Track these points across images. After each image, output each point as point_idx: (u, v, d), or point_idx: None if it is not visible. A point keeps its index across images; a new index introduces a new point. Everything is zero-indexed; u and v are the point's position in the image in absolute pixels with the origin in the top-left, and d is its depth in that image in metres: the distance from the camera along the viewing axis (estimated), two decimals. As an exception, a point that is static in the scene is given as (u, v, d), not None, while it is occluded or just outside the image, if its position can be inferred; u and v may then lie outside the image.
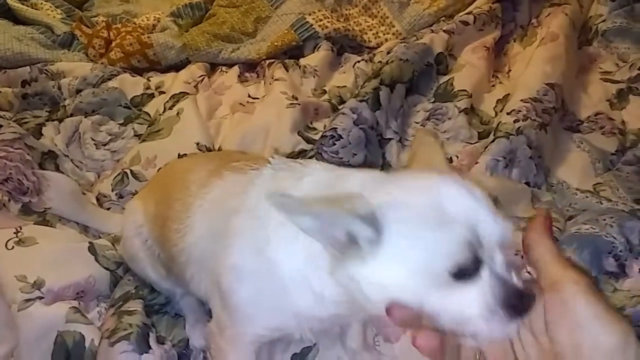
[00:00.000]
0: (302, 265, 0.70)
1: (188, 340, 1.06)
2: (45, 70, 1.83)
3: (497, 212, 0.59)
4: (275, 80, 1.72)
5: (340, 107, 1.66)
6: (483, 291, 0.56)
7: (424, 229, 0.57)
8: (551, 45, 1.61)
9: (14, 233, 1.13)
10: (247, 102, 1.73)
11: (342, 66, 1.90)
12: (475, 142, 1.47)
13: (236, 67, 1.91)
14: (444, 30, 1.74)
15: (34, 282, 1.05)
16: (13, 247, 1.10)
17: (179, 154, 1.44)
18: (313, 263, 0.67)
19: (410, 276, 0.57)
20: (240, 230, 0.80)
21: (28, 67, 1.84)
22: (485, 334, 0.56)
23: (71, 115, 1.68)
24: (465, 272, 0.56)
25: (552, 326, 0.54)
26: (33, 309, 1.02)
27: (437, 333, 0.57)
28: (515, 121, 1.34)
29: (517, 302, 0.56)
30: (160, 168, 1.43)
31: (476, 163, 1.28)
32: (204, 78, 1.83)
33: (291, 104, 1.61)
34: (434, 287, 0.56)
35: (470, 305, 0.56)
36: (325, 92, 1.76)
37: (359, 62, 1.83)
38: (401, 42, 1.76)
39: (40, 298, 1.04)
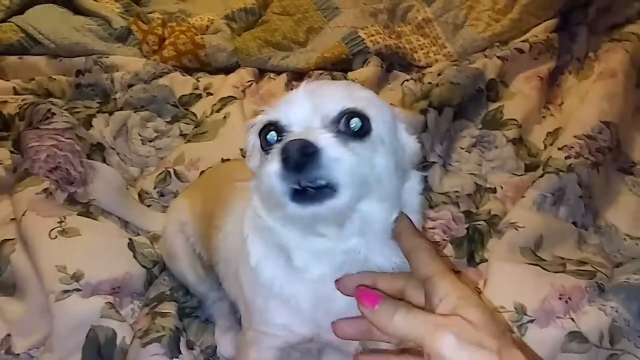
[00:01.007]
0: (249, 222, 0.76)
1: (216, 347, 1.06)
2: (100, 62, 1.87)
3: (313, 95, 0.65)
4: (323, 91, 1.72)
5: (385, 124, 1.65)
6: (273, 156, 0.62)
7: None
8: (609, 82, 1.56)
9: (58, 222, 1.15)
10: (293, 110, 1.73)
11: (389, 83, 1.89)
12: (522, 175, 1.44)
13: (284, 75, 1.92)
14: (497, 56, 1.71)
15: (74, 273, 1.07)
16: (56, 236, 1.12)
17: (222, 159, 1.45)
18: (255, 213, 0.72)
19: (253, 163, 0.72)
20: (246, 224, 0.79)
21: (83, 58, 1.89)
22: (275, 188, 0.61)
23: (121, 109, 1.71)
24: (268, 146, 0.65)
25: None
26: (70, 300, 1.03)
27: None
28: (566, 157, 1.30)
29: (288, 154, 0.60)
30: (202, 171, 1.44)
31: (522, 197, 1.25)
32: (252, 83, 1.84)
33: (337, 116, 1.60)
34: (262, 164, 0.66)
35: (266, 169, 0.62)
36: (370, 107, 1.75)
37: (407, 80, 1.81)
38: (453, 65, 1.73)
39: (78, 290, 1.05)
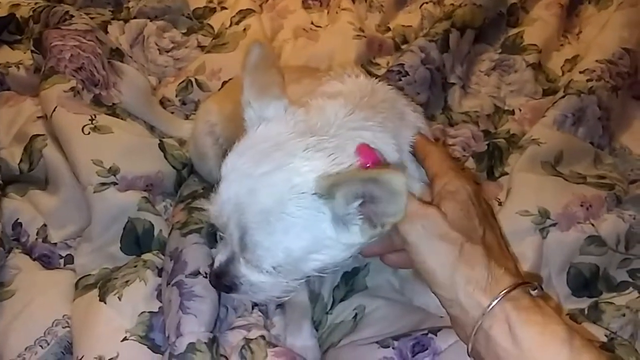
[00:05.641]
0: None
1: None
2: (110, -32, 1.80)
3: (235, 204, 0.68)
4: (342, 9, 1.70)
5: (403, 46, 1.65)
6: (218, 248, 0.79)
7: None
8: (630, 11, 1.56)
9: (89, 120, 1.15)
10: (310, 29, 1.71)
11: (408, 6, 1.86)
12: (540, 98, 1.46)
13: (301, -8, 1.88)
14: (519, -19, 1.70)
15: (110, 168, 1.08)
16: (89, 132, 1.12)
17: (243, 69, 1.44)
18: None
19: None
20: None
21: (93, -36, 1.82)
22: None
23: (134, 18, 1.68)
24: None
25: None
26: (108, 192, 1.05)
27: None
28: (588, 80, 1.32)
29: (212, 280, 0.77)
30: (225, 81, 1.44)
31: (543, 116, 1.28)
32: (268, -1, 1.81)
33: (357, 35, 1.60)
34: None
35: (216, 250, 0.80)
36: (389, 29, 1.74)
37: (426, 3, 1.80)
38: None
39: (115, 184, 1.07)
